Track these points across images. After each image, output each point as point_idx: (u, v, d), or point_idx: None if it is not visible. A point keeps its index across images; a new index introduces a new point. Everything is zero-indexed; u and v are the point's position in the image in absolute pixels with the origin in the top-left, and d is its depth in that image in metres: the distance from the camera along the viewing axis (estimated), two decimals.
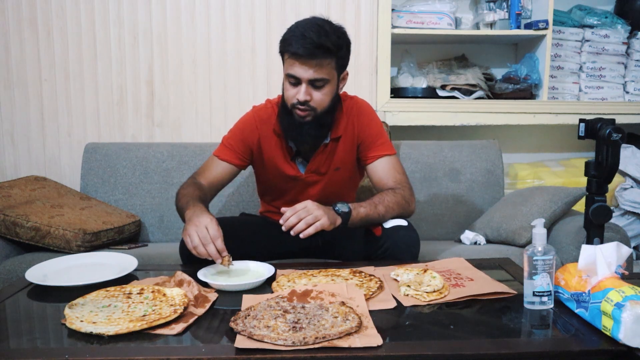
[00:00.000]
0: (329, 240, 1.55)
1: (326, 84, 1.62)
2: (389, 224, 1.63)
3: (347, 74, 1.72)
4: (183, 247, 1.64)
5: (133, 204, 2.34)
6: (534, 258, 1.16)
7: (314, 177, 1.77)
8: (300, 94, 1.60)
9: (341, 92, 1.74)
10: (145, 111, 2.63)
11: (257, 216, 1.98)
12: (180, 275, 1.33)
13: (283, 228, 1.49)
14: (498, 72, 2.83)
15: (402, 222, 1.63)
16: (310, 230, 1.47)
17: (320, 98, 1.62)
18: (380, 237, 1.61)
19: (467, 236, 2.13)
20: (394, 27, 2.59)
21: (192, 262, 1.56)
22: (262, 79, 2.64)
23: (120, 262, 1.55)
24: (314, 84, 1.60)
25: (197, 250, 1.41)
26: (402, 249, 1.58)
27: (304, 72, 1.58)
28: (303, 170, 1.78)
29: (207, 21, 2.60)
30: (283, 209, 1.51)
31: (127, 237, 2.19)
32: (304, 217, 1.48)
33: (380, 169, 1.75)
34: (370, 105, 1.85)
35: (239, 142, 1.76)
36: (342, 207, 1.58)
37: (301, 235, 1.47)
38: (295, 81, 1.61)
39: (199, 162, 2.31)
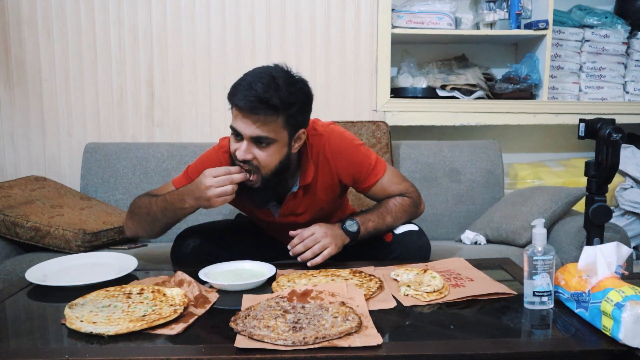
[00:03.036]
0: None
1: (272, 143, 1.43)
2: (400, 229, 1.62)
3: (304, 133, 1.50)
4: (175, 250, 1.63)
5: None
6: (534, 258, 1.16)
7: (291, 219, 1.63)
8: (240, 151, 1.43)
9: (295, 151, 1.51)
10: (145, 111, 2.63)
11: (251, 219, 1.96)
12: (181, 275, 1.33)
13: (290, 254, 1.50)
14: (498, 72, 2.83)
15: (413, 227, 1.62)
16: (318, 260, 1.48)
17: (264, 159, 1.44)
18: (390, 242, 1.60)
19: (468, 236, 2.13)
20: (394, 27, 2.59)
21: (183, 266, 1.54)
22: None
23: (120, 262, 1.55)
24: (257, 141, 1.42)
25: (235, 190, 1.41)
26: (414, 255, 1.57)
27: (246, 127, 1.40)
28: (277, 214, 1.63)
29: (207, 21, 2.60)
30: (292, 233, 1.51)
31: (127, 237, 2.18)
32: (311, 246, 1.48)
33: (380, 190, 1.65)
34: (344, 134, 1.62)
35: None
36: (350, 226, 1.55)
37: (308, 264, 1.48)
38: (237, 135, 1.44)
39: None
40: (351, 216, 1.59)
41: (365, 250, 1.67)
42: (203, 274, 1.38)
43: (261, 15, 2.61)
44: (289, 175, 1.54)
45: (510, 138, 2.92)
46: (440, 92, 2.64)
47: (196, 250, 1.60)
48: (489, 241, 2.12)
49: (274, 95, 1.37)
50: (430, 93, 2.64)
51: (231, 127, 1.45)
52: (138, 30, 2.58)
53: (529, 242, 1.24)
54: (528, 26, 2.63)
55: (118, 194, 2.35)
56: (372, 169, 1.62)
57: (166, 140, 2.62)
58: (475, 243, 2.11)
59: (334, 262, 1.68)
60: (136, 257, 1.56)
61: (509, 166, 2.82)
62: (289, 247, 1.50)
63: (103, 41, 2.58)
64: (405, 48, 2.75)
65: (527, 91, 2.66)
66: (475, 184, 2.39)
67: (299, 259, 1.49)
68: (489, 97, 2.68)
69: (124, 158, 2.37)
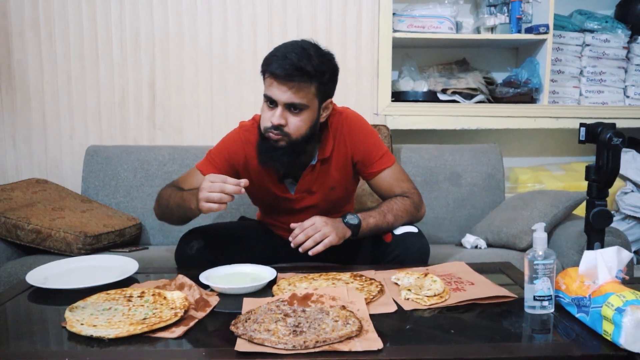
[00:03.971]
0: (335, 247, 1.54)
1: (304, 110, 1.54)
2: (399, 230, 1.63)
3: (332, 103, 1.64)
4: (179, 251, 1.63)
5: (134, 207, 2.34)
6: (535, 262, 1.16)
7: (306, 197, 1.73)
8: (274, 117, 1.53)
9: (323, 120, 1.64)
10: (147, 114, 2.63)
11: (256, 221, 1.97)
12: (182, 278, 1.33)
13: (292, 245, 1.50)
14: (499, 76, 2.83)
15: (412, 229, 1.63)
16: (319, 248, 1.49)
17: (296, 124, 1.55)
18: (390, 243, 1.61)
19: (468, 240, 2.13)
20: (395, 31, 2.59)
21: (187, 268, 1.55)
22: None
23: (121, 265, 1.55)
24: (291, 108, 1.53)
25: (223, 201, 1.40)
26: (413, 256, 1.57)
27: (281, 94, 1.51)
28: (293, 190, 1.72)
29: (209, 24, 2.61)
30: (292, 225, 1.53)
31: (128, 240, 2.19)
32: (312, 234, 1.49)
33: (384, 182, 1.71)
34: (362, 117, 1.77)
35: (224, 161, 1.69)
36: (351, 219, 1.57)
37: (310, 253, 1.49)
38: (272, 103, 1.55)
39: None
40: (352, 213, 1.60)
41: (364, 250, 1.68)
42: (204, 277, 1.38)
43: (263, 18, 2.61)
44: (311, 146, 1.63)
45: (511, 142, 2.92)
46: (441, 96, 2.64)
47: (201, 251, 1.60)
48: (489, 245, 2.12)
49: (307, 63, 1.49)
50: (431, 97, 2.64)
51: (265, 95, 1.55)
52: (140, 33, 2.59)
53: (530, 246, 1.24)
54: (529, 30, 2.63)
55: (119, 196, 2.35)
56: (381, 156, 1.70)
57: (168, 143, 2.62)
58: (476, 247, 2.11)
59: (334, 264, 1.69)
60: (137, 260, 1.56)
61: (509, 170, 2.82)
62: (290, 238, 1.51)
63: (105, 43, 2.58)
64: (406, 52, 2.76)
65: (527, 95, 2.66)
66: (476, 188, 2.39)
67: (300, 249, 1.50)
68: (489, 101, 2.68)
69: (125, 161, 2.37)
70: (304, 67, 1.48)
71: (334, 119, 1.69)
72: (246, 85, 2.63)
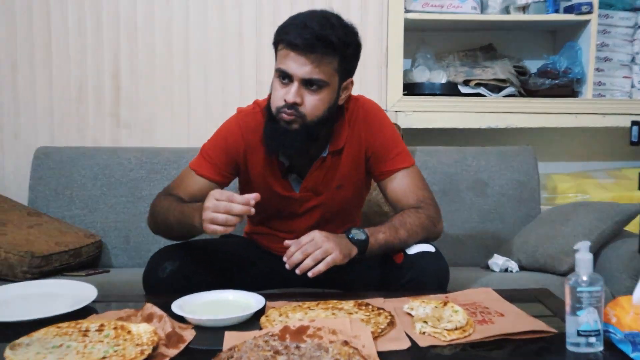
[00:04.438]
0: (337, 269, 1.53)
1: (323, 87, 1.59)
2: (413, 249, 1.62)
3: (352, 83, 1.70)
4: (148, 275, 1.63)
5: (93, 222, 2.34)
6: (578, 289, 1.15)
7: (311, 197, 1.76)
8: (289, 94, 1.57)
9: (341, 102, 1.70)
10: (110, 109, 2.64)
11: (241, 237, 1.97)
12: (150, 308, 1.32)
13: (287, 266, 1.49)
14: (532, 65, 2.84)
15: (429, 248, 1.63)
16: (320, 267, 1.47)
17: (313, 104, 1.59)
18: (401, 265, 1.60)
19: (496, 262, 2.13)
20: (407, 11, 2.60)
21: (157, 295, 1.54)
22: (250, 71, 2.65)
23: (75, 291, 1.53)
24: (308, 84, 1.57)
25: (230, 223, 1.42)
26: (429, 280, 1.57)
27: (299, 67, 1.55)
28: (297, 188, 1.76)
29: (186, 1, 2.61)
30: (287, 242, 1.52)
31: (85, 261, 2.18)
32: (311, 252, 1.48)
33: (398, 185, 1.73)
34: (380, 106, 1.83)
35: (221, 155, 1.74)
36: (357, 235, 1.57)
37: (309, 274, 1.47)
38: (286, 79, 1.59)
39: (174, 171, 2.31)
40: (358, 228, 1.61)
41: (371, 273, 1.68)
42: (177, 306, 1.38)
43: None
44: (325, 133, 1.68)
45: (548, 143, 2.93)
46: (463, 89, 2.65)
47: (174, 275, 1.60)
48: (522, 268, 2.12)
49: (331, 33, 1.54)
50: (450, 90, 2.65)
51: (279, 69, 1.59)
52: (102, 12, 2.59)
53: (572, 270, 1.23)
54: (568, 10, 2.64)
55: (75, 208, 2.34)
56: (397, 153, 1.74)
57: (135, 144, 2.62)
58: (506, 270, 2.10)
59: (335, 290, 1.68)
60: (96, 285, 1.55)
61: (546, 177, 2.82)
62: (284, 258, 1.51)
63: (59, 25, 2.59)
64: (421, 36, 2.77)
65: (567, 87, 2.67)
66: (505, 199, 2.39)
67: (297, 270, 1.48)
68: (521, 95, 2.69)
69: (82, 165, 2.37)
70: (327, 36, 1.53)
71: (350, 103, 1.75)
72: (230, 75, 2.64)
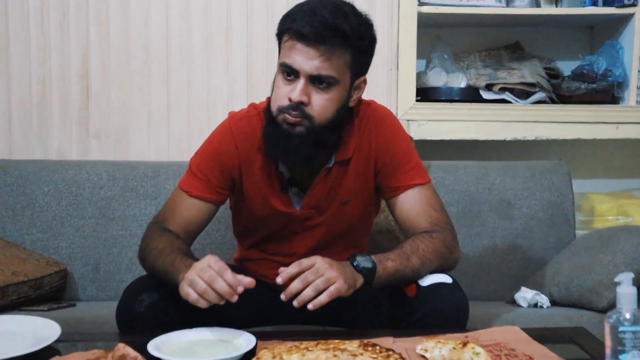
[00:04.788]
0: (339, 302, 1.53)
1: (333, 85, 1.60)
2: (427, 280, 1.61)
3: (365, 82, 1.71)
4: (123, 309, 1.62)
5: (57, 247, 2.33)
6: (620, 329, 1.15)
7: (313, 215, 1.77)
8: (295, 91, 1.58)
9: (352, 104, 1.72)
10: (77, 116, 2.64)
11: (230, 265, 1.96)
12: (122, 348, 1.32)
13: (283, 296, 1.48)
14: (566, 67, 2.85)
15: (445, 279, 1.62)
16: (323, 298, 1.45)
17: (321, 104, 1.60)
18: (414, 298, 1.59)
19: (524, 295, 2.12)
20: (421, 3, 2.61)
21: (132, 332, 1.54)
22: (240, 74, 2.65)
23: (36, 329, 1.52)
24: (316, 81, 1.58)
25: (205, 297, 1.41)
26: (446, 317, 1.56)
27: (306, 61, 1.56)
28: (298, 204, 1.76)
29: None
30: (282, 269, 1.50)
31: (48, 293, 2.18)
32: (312, 280, 1.47)
33: (409, 205, 1.73)
34: (394, 114, 1.84)
35: (215, 169, 1.74)
36: (363, 262, 1.56)
37: (309, 306, 1.46)
38: (291, 74, 1.59)
39: (152, 188, 2.31)
40: (363, 254, 1.60)
41: (379, 307, 1.67)
42: (154, 346, 1.37)
43: None
44: (334, 139, 1.69)
45: (584, 158, 2.93)
46: (486, 94, 2.66)
47: (152, 309, 1.59)
48: (553, 303, 2.12)
49: (343, 22, 1.55)
50: (471, 95, 2.66)
51: (283, 64, 1.60)
52: (69, 3, 2.60)
53: (613, 306, 1.23)
54: (608, 2, 2.64)
55: (36, 231, 2.34)
56: (411, 168, 1.75)
57: (106, 157, 2.63)
58: (535, 305, 2.10)
59: (337, 327, 1.67)
60: (60, 322, 1.54)
61: (582, 197, 2.82)
62: (278, 279, 1.48)
63: (18, 18, 2.60)
64: (437, 33, 2.78)
65: (607, 92, 2.68)
66: (535, 222, 2.39)
67: (295, 302, 1.46)
68: (553, 101, 2.70)
69: (45, 182, 2.37)
70: (339, 26, 1.54)
71: (360, 110, 1.77)
72: (216, 77, 2.64)
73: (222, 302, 1.42)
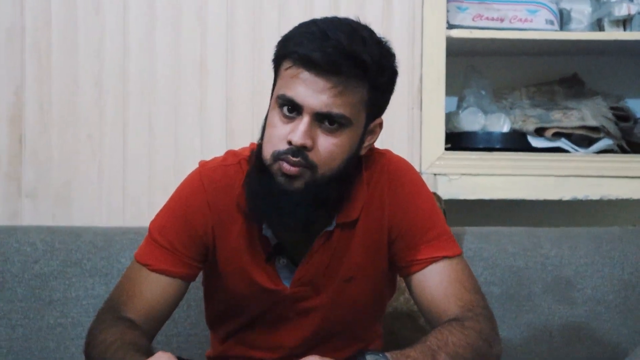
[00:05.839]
0: None
1: (345, 127, 1.57)
2: None
3: (381, 126, 1.71)
4: None
5: None
6: None
7: (308, 294, 1.74)
8: (296, 132, 1.53)
9: (363, 153, 1.71)
10: (7, 170, 2.65)
11: None
12: None
13: None
14: (638, 106, 2.87)
15: None
16: None
17: (328, 149, 1.57)
18: None
19: None
20: (450, 26, 2.65)
21: None
22: (217, 118, 2.66)
23: None
24: (325, 120, 1.56)
25: None
26: None
27: (313, 94, 1.53)
28: (288, 280, 1.73)
29: (123, 13, 2.66)
30: None
31: None
32: None
33: (434, 284, 1.69)
34: (414, 168, 1.83)
35: (182, 234, 1.70)
36: (373, 358, 1.55)
37: None
38: (292, 110, 1.57)
39: (101, 262, 2.30)
40: (374, 351, 1.57)
41: None
42: None
43: (219, 8, 2.65)
44: (338, 196, 1.66)
45: None
46: (535, 141, 2.67)
47: None
48: None
49: (362, 49, 1.52)
50: (517, 142, 2.68)
51: (282, 97, 1.56)
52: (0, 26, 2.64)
53: None
54: None
55: None
56: (435, 236, 1.71)
57: (43, 221, 2.63)
58: None
59: None
60: None
61: None
62: None
63: None
64: (472, 63, 2.82)
65: None
66: (603, 308, 2.39)
67: None
68: (623, 150, 2.71)
69: None
70: (358, 53, 1.52)
71: (372, 161, 1.76)
72: (186, 121, 2.66)
73: None
